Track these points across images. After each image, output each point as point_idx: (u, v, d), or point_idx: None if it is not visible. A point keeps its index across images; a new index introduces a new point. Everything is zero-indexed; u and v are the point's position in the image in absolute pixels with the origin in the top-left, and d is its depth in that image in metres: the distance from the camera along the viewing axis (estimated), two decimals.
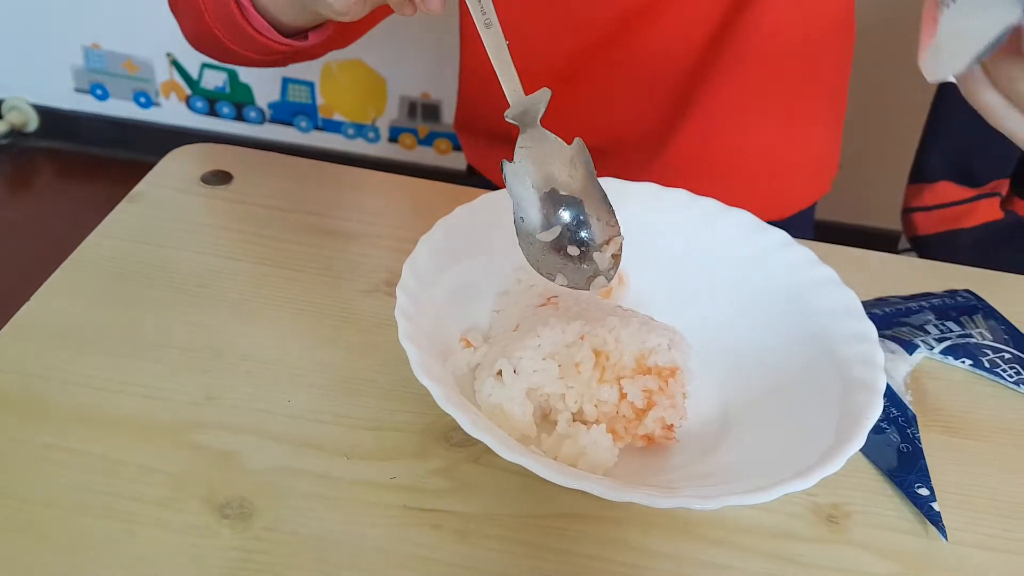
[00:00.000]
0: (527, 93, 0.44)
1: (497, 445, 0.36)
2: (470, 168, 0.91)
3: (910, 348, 0.55)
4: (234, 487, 0.43)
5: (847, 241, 0.66)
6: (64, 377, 0.47)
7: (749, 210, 0.51)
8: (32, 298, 0.52)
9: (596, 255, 0.44)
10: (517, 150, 0.44)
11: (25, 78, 1.80)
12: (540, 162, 0.44)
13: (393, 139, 1.76)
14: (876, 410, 0.41)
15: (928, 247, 0.93)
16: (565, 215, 0.44)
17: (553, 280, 0.44)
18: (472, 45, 0.80)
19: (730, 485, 0.39)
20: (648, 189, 0.54)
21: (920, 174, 0.92)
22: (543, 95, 0.43)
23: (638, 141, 0.74)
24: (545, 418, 0.46)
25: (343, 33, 0.45)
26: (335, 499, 0.43)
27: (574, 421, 0.44)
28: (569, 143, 0.44)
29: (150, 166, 0.64)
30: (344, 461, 0.44)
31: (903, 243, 1.00)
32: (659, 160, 0.74)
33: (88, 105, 1.81)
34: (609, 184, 0.54)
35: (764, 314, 0.49)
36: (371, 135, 1.77)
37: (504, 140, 0.80)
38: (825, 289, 0.48)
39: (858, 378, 0.43)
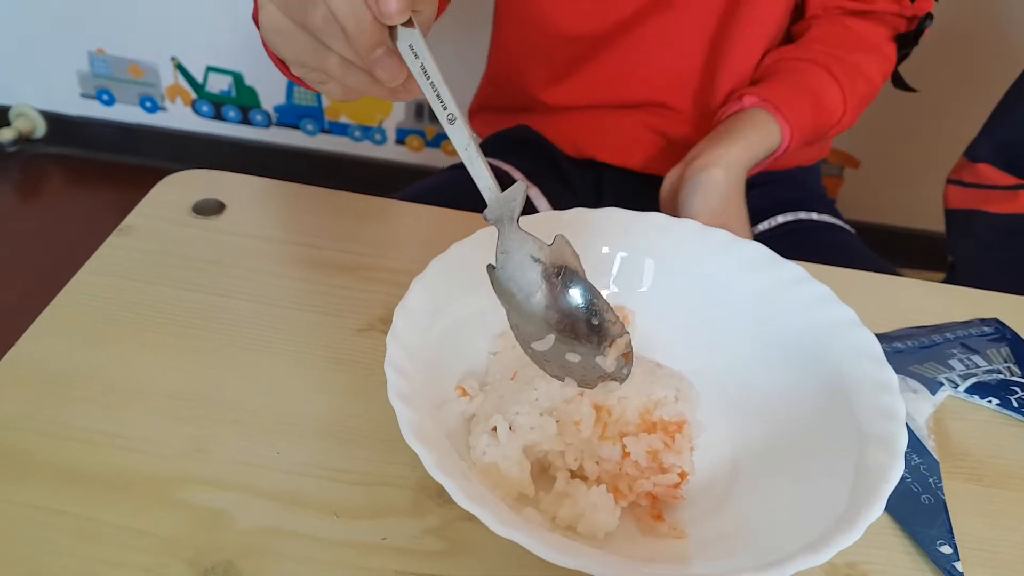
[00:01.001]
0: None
1: (490, 519, 0.34)
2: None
3: (933, 387, 0.52)
4: (221, 550, 0.41)
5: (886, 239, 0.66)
6: (49, 429, 0.45)
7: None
8: (18, 343, 0.50)
9: (599, 359, 0.41)
10: (498, 255, 0.41)
11: (31, 84, 1.80)
12: (524, 266, 0.41)
13: (400, 141, 1.74)
14: (895, 473, 0.38)
15: (950, 221, 0.94)
16: (558, 321, 0.41)
17: (563, 381, 0.42)
18: (505, 25, 0.82)
19: (740, 557, 0.37)
20: (655, 219, 0.52)
21: (971, 150, 0.92)
22: (518, 190, 0.40)
23: (680, 93, 0.80)
24: (544, 472, 0.44)
25: None
26: (324, 563, 0.41)
27: (573, 477, 0.42)
28: (550, 241, 0.41)
29: (157, 171, 0.63)
30: (334, 520, 0.42)
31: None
32: (699, 110, 0.80)
33: (94, 111, 1.80)
34: (614, 214, 0.52)
35: (776, 357, 0.47)
36: (378, 137, 1.75)
37: (525, 111, 0.84)
38: (843, 330, 0.46)
39: (877, 434, 0.41)
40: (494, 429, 0.41)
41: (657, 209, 0.52)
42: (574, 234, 0.51)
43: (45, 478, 0.43)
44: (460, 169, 0.82)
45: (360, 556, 0.41)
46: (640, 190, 0.83)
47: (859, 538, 0.36)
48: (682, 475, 0.41)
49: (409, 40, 0.37)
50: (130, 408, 0.47)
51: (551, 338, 0.41)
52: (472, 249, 0.48)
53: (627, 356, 0.42)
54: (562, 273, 0.41)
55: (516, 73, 0.85)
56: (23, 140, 1.85)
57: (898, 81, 0.83)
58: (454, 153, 1.73)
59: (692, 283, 0.50)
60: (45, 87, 1.79)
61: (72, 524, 0.41)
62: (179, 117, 1.78)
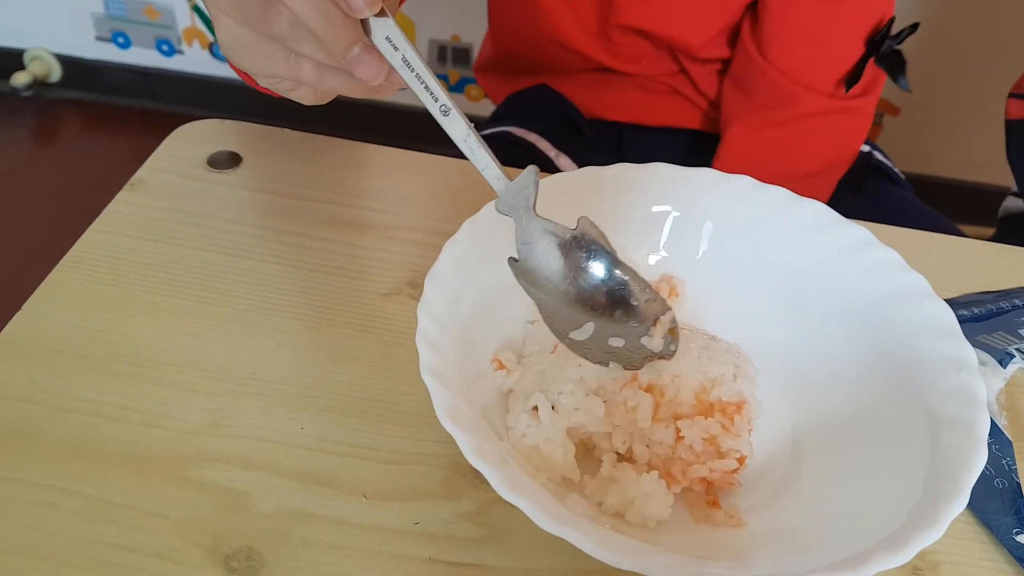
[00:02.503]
0: None
1: (537, 513, 0.31)
2: (496, 113, 0.85)
3: (1003, 359, 0.48)
4: (241, 535, 0.38)
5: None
6: (56, 401, 0.43)
7: None
8: (24, 307, 0.47)
9: (644, 340, 0.38)
10: (519, 247, 0.38)
11: (46, 27, 1.75)
12: (549, 255, 0.37)
13: None
14: (978, 462, 0.35)
15: (1009, 134, 0.92)
16: (595, 307, 0.38)
17: (607, 367, 0.38)
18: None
19: (809, 553, 0.34)
20: (708, 176, 0.47)
21: None
22: (529, 176, 0.37)
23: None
24: (587, 452, 0.40)
25: None
26: (352, 550, 0.38)
27: (620, 460, 0.39)
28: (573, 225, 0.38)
29: (175, 116, 0.60)
30: (362, 502, 0.40)
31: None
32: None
33: (110, 54, 1.76)
34: (665, 170, 0.47)
35: (840, 329, 0.43)
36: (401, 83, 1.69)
37: (534, 73, 0.77)
38: (914, 301, 0.42)
39: (953, 417, 0.37)
40: (535, 408, 0.38)
41: (684, 161, 0.48)
42: (619, 192, 0.47)
43: (49, 454, 0.40)
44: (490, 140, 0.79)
45: (391, 543, 0.38)
46: (662, 145, 0.79)
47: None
48: (741, 460, 0.38)
49: (385, 32, 0.33)
50: (141, 378, 0.44)
51: (590, 326, 0.38)
52: None
53: (673, 332, 0.38)
54: (592, 256, 0.38)
55: (518, 29, 0.80)
56: (38, 84, 1.82)
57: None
58: (478, 98, 1.68)
59: (748, 246, 0.46)
60: (60, 30, 1.74)
61: (78, 504, 0.39)
62: (196, 61, 1.73)
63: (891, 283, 0.43)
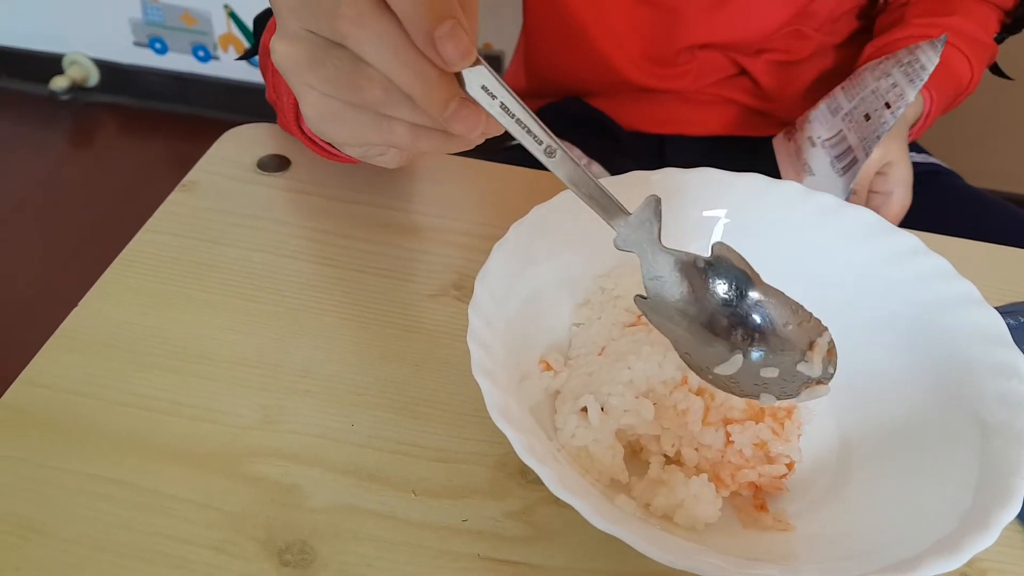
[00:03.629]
0: None
1: (590, 512, 0.31)
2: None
3: None
4: (294, 528, 0.39)
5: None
6: (112, 396, 0.44)
7: None
8: (80, 304, 0.48)
9: (801, 366, 0.35)
10: (647, 283, 0.36)
11: (85, 32, 1.78)
12: (682, 288, 0.35)
13: None
14: None
15: None
16: (741, 339, 0.36)
17: (758, 399, 0.36)
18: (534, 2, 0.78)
19: (861, 557, 0.34)
20: (755, 181, 0.48)
21: None
22: (649, 207, 0.34)
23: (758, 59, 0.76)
24: (635, 454, 0.41)
25: None
26: (402, 545, 0.38)
27: (668, 463, 0.39)
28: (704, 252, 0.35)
29: (210, 121, 0.61)
30: (411, 499, 0.40)
31: None
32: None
33: (147, 59, 1.79)
34: (712, 175, 0.48)
35: (886, 336, 0.43)
36: None
37: (570, 93, 0.77)
38: (963, 309, 0.41)
39: (1004, 424, 0.37)
40: (583, 410, 0.39)
41: (729, 167, 0.48)
42: (664, 197, 0.47)
43: (106, 447, 0.41)
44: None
45: (441, 539, 0.39)
46: (708, 154, 0.79)
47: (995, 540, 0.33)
48: (790, 465, 0.38)
49: (480, 80, 0.32)
50: (194, 374, 0.45)
51: (738, 359, 0.36)
52: (554, 212, 0.45)
53: (831, 354, 0.36)
54: (732, 284, 0.36)
55: (555, 51, 0.80)
56: (76, 88, 1.85)
57: (994, 67, 0.79)
58: None
59: (795, 253, 0.46)
60: (98, 35, 1.78)
61: (133, 496, 0.39)
62: (232, 66, 1.76)
63: (940, 290, 0.43)
